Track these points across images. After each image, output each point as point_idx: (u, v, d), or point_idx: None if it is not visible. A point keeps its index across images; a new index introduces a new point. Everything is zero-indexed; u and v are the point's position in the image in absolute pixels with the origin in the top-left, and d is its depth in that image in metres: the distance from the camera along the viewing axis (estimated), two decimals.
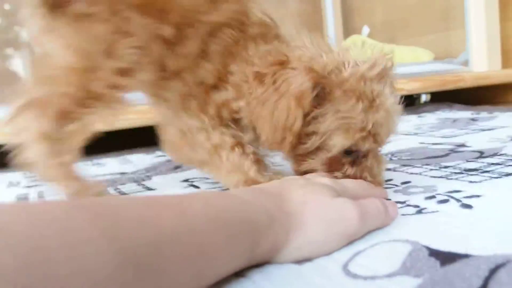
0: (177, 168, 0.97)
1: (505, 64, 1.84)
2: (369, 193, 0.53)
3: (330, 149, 0.57)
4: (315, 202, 0.44)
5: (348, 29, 2.56)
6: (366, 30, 2.41)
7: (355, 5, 2.56)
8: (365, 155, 0.58)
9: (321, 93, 0.55)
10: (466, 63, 1.84)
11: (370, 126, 0.55)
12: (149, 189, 0.79)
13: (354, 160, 0.59)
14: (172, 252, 0.30)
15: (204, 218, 0.34)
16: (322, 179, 0.51)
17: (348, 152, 0.58)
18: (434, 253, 0.39)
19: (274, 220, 0.39)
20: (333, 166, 0.59)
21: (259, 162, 0.65)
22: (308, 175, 0.55)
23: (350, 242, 0.44)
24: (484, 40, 1.78)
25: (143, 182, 0.85)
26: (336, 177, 0.57)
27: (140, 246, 0.28)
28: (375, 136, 0.56)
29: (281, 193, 0.44)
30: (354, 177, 0.58)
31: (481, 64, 1.80)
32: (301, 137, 0.57)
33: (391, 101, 0.58)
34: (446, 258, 0.38)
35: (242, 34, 0.63)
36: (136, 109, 1.20)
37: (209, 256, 0.33)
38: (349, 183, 0.53)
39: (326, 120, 0.55)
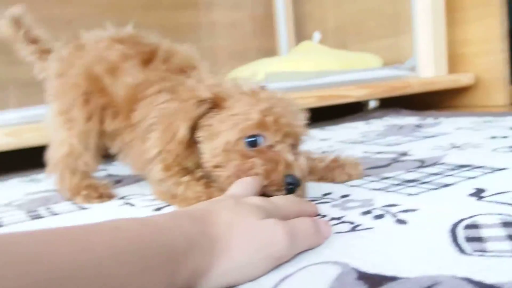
0: (116, 183, 0.93)
1: (451, 70, 1.87)
2: (301, 209, 0.52)
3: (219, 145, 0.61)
4: (242, 225, 0.42)
5: (300, 35, 2.56)
6: (317, 36, 2.42)
7: (307, 11, 2.57)
8: (272, 146, 0.60)
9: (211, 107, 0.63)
10: (413, 68, 1.87)
11: (256, 116, 0.59)
12: (83, 208, 0.75)
13: (261, 151, 0.60)
14: None
15: (111, 250, 0.32)
16: (253, 199, 0.49)
17: (251, 143, 0.60)
18: (363, 276, 0.38)
19: (194, 246, 0.37)
20: (244, 162, 0.59)
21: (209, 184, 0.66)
22: (238, 194, 0.53)
23: (279, 265, 0.42)
24: (431, 46, 1.81)
25: (51, 206, 0.81)
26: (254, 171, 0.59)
27: (29, 285, 0.26)
28: (274, 125, 0.59)
29: (206, 216, 0.41)
30: (268, 171, 0.58)
31: (428, 70, 1.82)
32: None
33: (273, 95, 0.63)
34: (374, 281, 0.37)
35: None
36: None
37: None
38: (280, 200, 0.51)
39: (216, 124, 0.62)
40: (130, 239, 0.33)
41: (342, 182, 0.72)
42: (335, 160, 0.76)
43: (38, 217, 0.72)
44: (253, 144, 0.60)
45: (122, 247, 0.32)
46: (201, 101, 0.63)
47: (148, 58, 0.76)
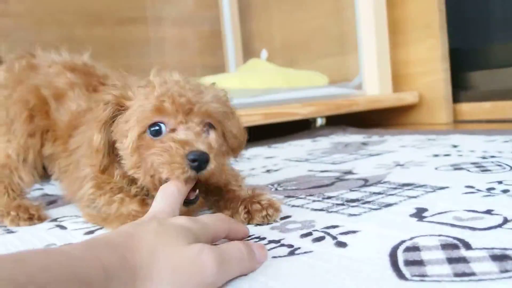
0: (50, 203, 0.88)
1: (396, 89, 1.90)
2: (231, 228, 0.50)
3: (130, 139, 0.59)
4: (166, 252, 0.39)
5: (248, 52, 2.56)
6: (264, 53, 2.42)
7: (254, 29, 2.57)
8: (173, 130, 0.58)
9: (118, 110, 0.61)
10: (359, 86, 1.88)
11: (150, 103, 0.57)
12: (10, 231, 0.70)
13: (163, 139, 0.57)
14: None
15: (11, 284, 0.28)
16: (178, 219, 0.46)
17: (154, 133, 0.58)
18: None
19: (112, 277, 0.34)
20: (151, 151, 0.57)
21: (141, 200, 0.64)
22: (162, 213, 0.49)
23: None
24: (376, 65, 1.83)
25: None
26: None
27: None
28: (171, 107, 0.57)
29: (127, 242, 0.38)
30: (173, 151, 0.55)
31: (373, 88, 1.84)
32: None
33: (175, 78, 0.62)
34: None
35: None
36: None
37: None
38: (208, 219, 0.48)
39: (122, 125, 0.60)
40: (33, 270, 0.30)
41: (257, 223, 0.61)
42: (256, 197, 0.63)
43: None
44: (156, 132, 0.57)
45: (21, 280, 0.29)
46: (106, 104, 0.61)
47: (94, 88, 0.79)
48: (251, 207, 0.61)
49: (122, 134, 0.60)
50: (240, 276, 0.43)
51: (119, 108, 0.61)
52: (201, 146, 0.55)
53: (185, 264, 0.38)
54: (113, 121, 0.62)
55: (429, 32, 1.79)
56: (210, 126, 0.60)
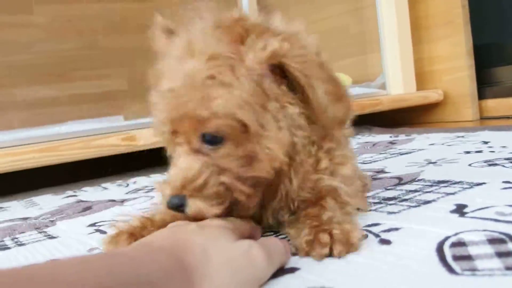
0: (86, 209, 0.90)
1: (419, 87, 1.89)
2: (252, 227, 0.52)
3: None
4: (217, 249, 0.40)
5: None
6: None
7: None
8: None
9: None
10: (383, 86, 1.88)
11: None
12: (51, 237, 0.72)
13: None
14: None
15: (77, 285, 0.29)
16: (214, 221, 0.47)
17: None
18: None
19: (172, 278, 0.35)
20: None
21: None
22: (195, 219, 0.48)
23: None
24: (399, 64, 1.82)
25: (45, 229, 0.77)
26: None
27: None
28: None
29: (178, 246, 0.39)
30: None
31: (397, 87, 1.84)
32: None
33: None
34: None
35: None
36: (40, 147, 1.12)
37: None
38: (234, 219, 0.49)
39: None
40: (98, 274, 0.31)
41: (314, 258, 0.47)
42: (328, 223, 0.49)
43: (5, 247, 0.68)
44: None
45: (89, 283, 0.29)
46: None
47: None
48: (317, 236, 0.47)
49: None
50: (286, 274, 0.43)
51: None
52: (170, 190, 0.48)
53: (238, 260, 0.40)
54: None
55: (452, 29, 1.78)
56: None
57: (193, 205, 0.48)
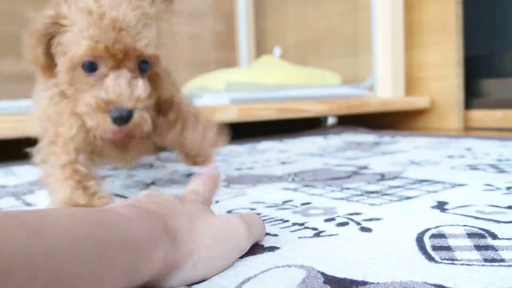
0: None
1: (408, 92, 1.90)
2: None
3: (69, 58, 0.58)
4: (201, 219, 0.40)
5: (261, 49, 2.57)
6: (277, 51, 2.43)
7: (268, 27, 2.58)
8: (105, 75, 0.58)
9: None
10: (371, 88, 1.89)
11: (87, 42, 0.56)
12: (29, 204, 0.71)
13: (94, 81, 0.58)
14: (23, 279, 0.25)
15: (69, 240, 0.29)
16: (189, 195, 0.47)
17: (88, 68, 0.58)
18: (330, 280, 0.36)
19: (159, 237, 0.35)
20: (82, 87, 0.59)
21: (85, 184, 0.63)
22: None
23: (241, 267, 0.40)
24: (389, 67, 1.83)
25: (24, 197, 0.76)
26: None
27: None
28: (105, 52, 0.57)
29: (163, 209, 0.39)
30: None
31: (385, 90, 1.85)
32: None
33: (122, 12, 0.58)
34: (342, 285, 0.35)
35: None
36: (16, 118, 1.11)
37: (71, 281, 0.28)
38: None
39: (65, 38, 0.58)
40: (90, 226, 0.30)
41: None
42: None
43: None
44: (90, 69, 0.58)
45: (79, 235, 0.29)
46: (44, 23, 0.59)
47: None
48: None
49: (61, 52, 0.59)
50: (269, 252, 0.43)
51: (58, 28, 0.58)
52: (127, 103, 0.56)
53: (221, 229, 0.40)
54: (51, 38, 0.59)
55: (444, 37, 1.79)
56: (143, 68, 0.60)
57: (139, 116, 0.58)
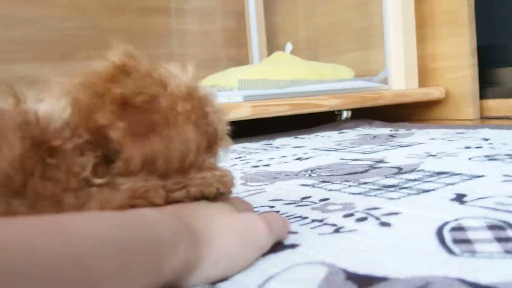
0: None
1: (421, 84, 1.89)
2: (247, 205, 0.53)
3: None
4: (222, 218, 0.41)
5: (272, 45, 2.57)
6: (289, 47, 2.42)
7: (279, 23, 2.58)
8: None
9: None
10: (385, 81, 1.88)
11: None
12: None
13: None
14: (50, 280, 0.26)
15: (92, 241, 0.29)
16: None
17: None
18: (351, 277, 0.36)
19: (180, 238, 0.35)
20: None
21: None
22: None
23: (263, 265, 0.40)
24: (402, 59, 1.82)
25: None
26: None
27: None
28: None
29: (184, 211, 0.40)
30: None
31: (399, 82, 1.84)
32: None
33: None
34: (363, 281, 0.35)
35: None
36: None
37: (96, 282, 0.28)
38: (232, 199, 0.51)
39: None
40: (112, 226, 0.31)
41: None
42: None
43: None
44: None
45: (103, 234, 0.30)
46: None
47: None
48: None
49: None
50: (289, 250, 0.44)
51: None
52: None
53: (242, 228, 0.41)
54: None
55: (457, 27, 1.78)
56: None
57: None
